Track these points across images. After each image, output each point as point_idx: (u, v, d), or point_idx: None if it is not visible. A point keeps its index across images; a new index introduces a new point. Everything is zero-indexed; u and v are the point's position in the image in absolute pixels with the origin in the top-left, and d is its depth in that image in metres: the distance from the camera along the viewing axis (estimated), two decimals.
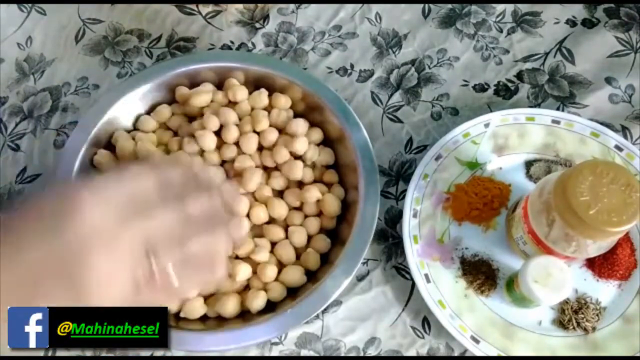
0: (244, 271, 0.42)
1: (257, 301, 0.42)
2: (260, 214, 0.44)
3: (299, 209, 0.46)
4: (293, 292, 0.43)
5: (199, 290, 0.38)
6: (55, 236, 0.28)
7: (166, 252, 0.30)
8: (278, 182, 0.45)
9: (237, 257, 0.43)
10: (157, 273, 0.30)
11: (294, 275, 0.43)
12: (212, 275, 0.34)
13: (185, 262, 0.31)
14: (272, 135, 0.46)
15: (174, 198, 0.32)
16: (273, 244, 0.44)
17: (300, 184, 0.47)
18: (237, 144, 0.46)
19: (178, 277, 0.31)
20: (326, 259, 0.44)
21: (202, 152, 0.46)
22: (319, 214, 0.46)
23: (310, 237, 0.45)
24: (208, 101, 0.48)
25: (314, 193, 0.44)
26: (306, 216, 0.45)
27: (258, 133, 0.47)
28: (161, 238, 0.30)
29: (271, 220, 0.45)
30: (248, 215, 0.44)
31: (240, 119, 0.47)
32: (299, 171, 0.45)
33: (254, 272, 0.43)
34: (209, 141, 0.46)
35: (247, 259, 0.43)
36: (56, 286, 0.29)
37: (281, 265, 0.44)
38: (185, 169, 0.35)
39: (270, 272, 0.42)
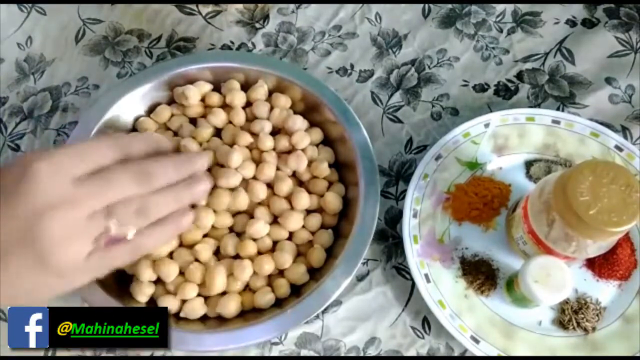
0: (247, 271, 0.42)
1: (265, 298, 0.42)
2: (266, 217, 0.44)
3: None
4: (297, 290, 0.43)
5: (164, 244, 0.38)
6: (12, 205, 0.29)
7: (125, 215, 0.31)
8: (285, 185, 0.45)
9: (239, 257, 0.43)
10: (116, 233, 0.31)
11: (298, 271, 0.43)
12: (176, 229, 0.35)
13: (146, 222, 0.33)
14: (269, 142, 0.46)
15: (136, 167, 0.32)
16: (275, 243, 0.44)
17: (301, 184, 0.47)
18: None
19: (140, 236, 0.32)
20: (329, 254, 0.44)
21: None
22: (321, 212, 0.46)
23: (313, 234, 0.45)
24: (198, 97, 0.48)
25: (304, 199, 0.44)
26: (308, 213, 0.45)
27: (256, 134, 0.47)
28: (121, 203, 0.31)
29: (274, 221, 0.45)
30: (252, 216, 0.44)
31: (231, 122, 0.48)
32: (301, 164, 0.45)
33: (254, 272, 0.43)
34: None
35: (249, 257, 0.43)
36: (19, 253, 0.29)
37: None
38: (149, 142, 0.35)
39: (269, 266, 0.42)
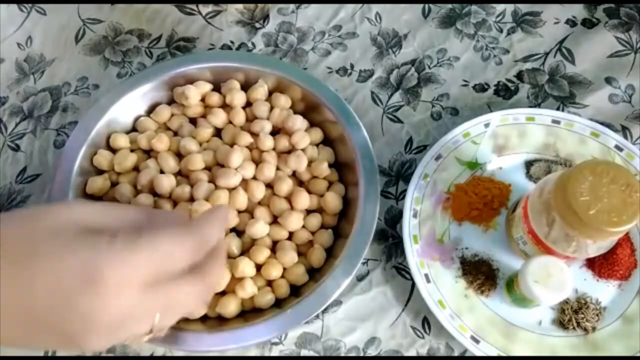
0: (248, 270, 0.42)
1: (265, 298, 0.42)
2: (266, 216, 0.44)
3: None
4: (296, 291, 0.43)
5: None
6: (66, 308, 0.27)
7: (171, 320, 0.31)
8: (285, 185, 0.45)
9: (236, 256, 0.43)
10: (152, 333, 0.30)
11: (298, 271, 0.43)
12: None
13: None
14: (269, 142, 0.46)
15: (204, 291, 0.32)
16: (275, 243, 0.44)
17: (301, 184, 0.47)
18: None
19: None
20: (329, 254, 0.44)
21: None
22: (321, 212, 0.46)
23: (313, 234, 0.45)
24: (198, 97, 0.48)
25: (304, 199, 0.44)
26: (308, 213, 0.45)
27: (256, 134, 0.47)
28: (175, 311, 0.31)
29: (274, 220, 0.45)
30: (252, 215, 0.44)
31: (231, 122, 0.48)
32: (301, 164, 0.45)
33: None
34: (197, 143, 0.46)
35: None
36: (56, 339, 0.28)
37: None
38: (225, 222, 0.35)
39: (276, 270, 0.42)
